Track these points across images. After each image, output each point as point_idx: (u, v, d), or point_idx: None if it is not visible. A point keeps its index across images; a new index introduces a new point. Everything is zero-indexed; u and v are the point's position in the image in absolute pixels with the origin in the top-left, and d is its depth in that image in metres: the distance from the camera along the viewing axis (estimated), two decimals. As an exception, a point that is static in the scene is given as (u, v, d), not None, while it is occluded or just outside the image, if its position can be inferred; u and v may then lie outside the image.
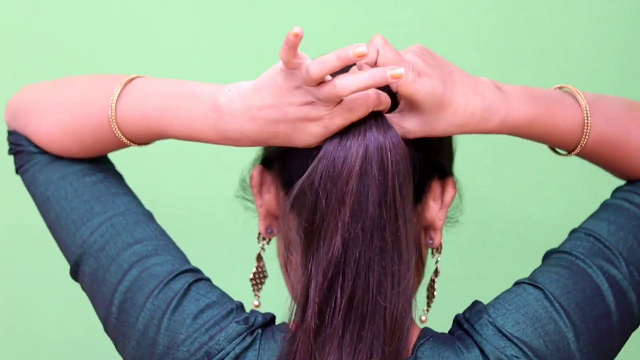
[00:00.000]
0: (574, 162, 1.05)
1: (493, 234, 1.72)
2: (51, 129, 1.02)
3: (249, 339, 0.94)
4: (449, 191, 0.99)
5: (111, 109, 0.98)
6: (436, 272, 1.02)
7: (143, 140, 1.01)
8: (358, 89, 0.86)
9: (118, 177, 1.07)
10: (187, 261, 1.00)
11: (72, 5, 1.65)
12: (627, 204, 1.01)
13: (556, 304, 0.94)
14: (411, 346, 0.94)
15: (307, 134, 0.89)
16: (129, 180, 1.08)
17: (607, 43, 1.72)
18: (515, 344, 0.92)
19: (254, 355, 0.93)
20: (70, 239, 1.01)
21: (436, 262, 1.02)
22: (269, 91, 0.89)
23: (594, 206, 1.06)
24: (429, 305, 1.04)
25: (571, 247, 0.99)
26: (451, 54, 1.66)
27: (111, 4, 1.65)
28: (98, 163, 1.05)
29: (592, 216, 1.02)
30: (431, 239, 1.00)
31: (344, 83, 0.86)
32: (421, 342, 0.94)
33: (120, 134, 0.99)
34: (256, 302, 1.05)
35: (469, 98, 0.91)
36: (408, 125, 0.91)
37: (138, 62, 1.66)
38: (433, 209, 0.99)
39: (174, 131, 0.96)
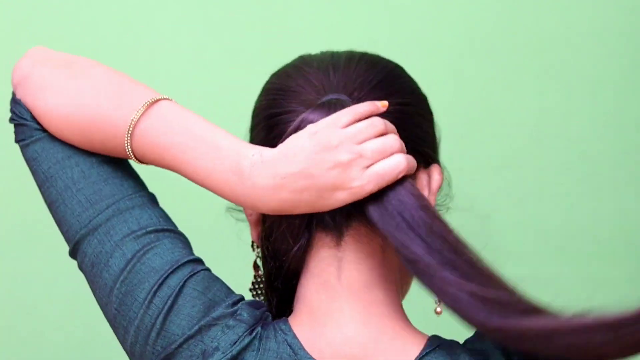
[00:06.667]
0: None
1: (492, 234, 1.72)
2: (62, 120, 1.00)
3: (247, 339, 0.93)
4: (436, 178, 0.98)
5: (129, 130, 0.96)
6: None
7: (149, 163, 0.99)
8: None
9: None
10: (187, 246, 0.99)
11: (72, 5, 1.65)
12: None
13: None
14: (414, 357, 0.91)
15: (334, 201, 0.89)
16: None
17: (608, 43, 1.72)
18: None
19: (252, 356, 0.92)
20: (75, 219, 0.99)
21: None
22: (296, 157, 0.89)
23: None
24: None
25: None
26: (451, 53, 1.67)
27: (111, 3, 1.65)
28: None
29: None
30: None
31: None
32: (427, 351, 0.91)
33: (131, 154, 0.97)
34: None
35: None
36: None
37: (138, 62, 1.66)
38: None
39: (186, 174, 0.95)
